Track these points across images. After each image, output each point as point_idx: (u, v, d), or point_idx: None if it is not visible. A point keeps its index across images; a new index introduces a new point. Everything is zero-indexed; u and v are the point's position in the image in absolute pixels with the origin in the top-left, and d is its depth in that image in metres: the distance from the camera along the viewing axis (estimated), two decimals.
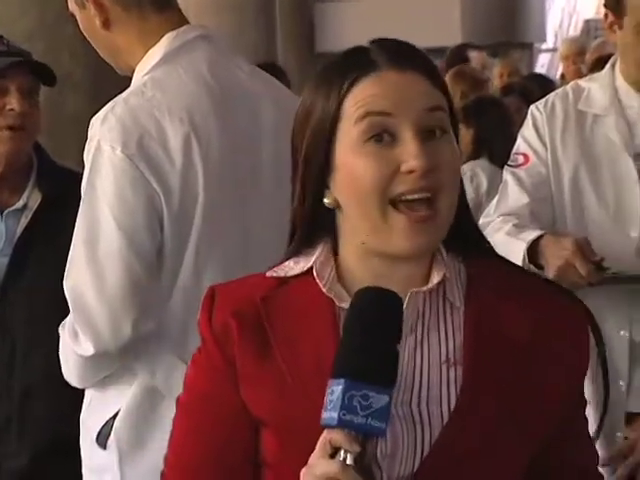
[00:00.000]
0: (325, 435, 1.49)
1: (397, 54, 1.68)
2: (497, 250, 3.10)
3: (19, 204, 3.16)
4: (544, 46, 20.14)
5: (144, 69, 2.73)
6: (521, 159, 3.22)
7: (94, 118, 2.66)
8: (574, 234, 3.05)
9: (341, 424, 1.47)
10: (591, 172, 3.15)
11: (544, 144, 3.19)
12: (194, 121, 2.63)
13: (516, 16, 20.05)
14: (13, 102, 3.09)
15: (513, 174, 3.22)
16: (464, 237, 1.72)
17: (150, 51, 2.73)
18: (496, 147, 5.67)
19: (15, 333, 3.08)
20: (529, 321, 1.67)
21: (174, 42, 2.73)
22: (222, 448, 1.69)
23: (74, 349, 2.63)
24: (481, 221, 3.28)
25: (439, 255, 1.69)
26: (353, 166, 1.62)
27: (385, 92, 1.63)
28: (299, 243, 1.72)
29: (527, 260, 3.00)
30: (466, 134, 6.04)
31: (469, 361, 1.64)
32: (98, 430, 2.63)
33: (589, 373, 1.73)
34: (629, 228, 3.11)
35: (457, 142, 1.69)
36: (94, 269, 2.57)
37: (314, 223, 1.71)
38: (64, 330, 2.66)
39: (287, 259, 1.73)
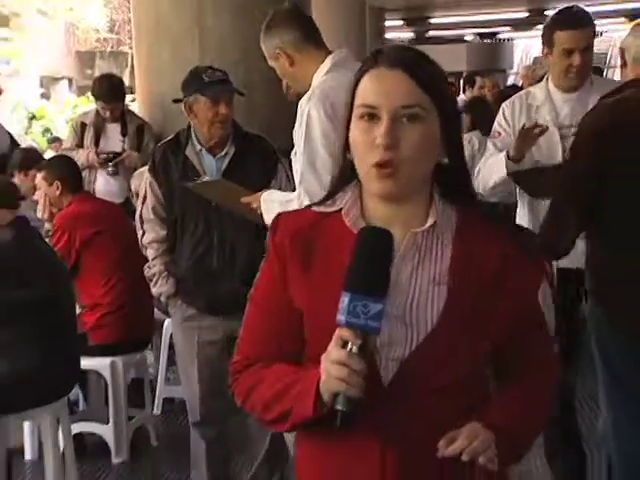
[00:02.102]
0: (338, 331, 1.24)
1: (392, 55, 1.33)
2: (489, 165, 3.02)
3: (223, 153, 3.10)
4: (512, 71, 19.90)
5: (320, 74, 2.63)
6: (497, 134, 3.11)
7: (301, 101, 2.57)
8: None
9: (348, 325, 1.22)
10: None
11: (509, 124, 3.08)
12: None
13: (496, 54, 19.90)
14: (222, 109, 3.02)
15: (492, 142, 3.12)
16: (458, 192, 1.38)
17: (321, 65, 2.64)
18: (482, 125, 5.51)
19: (226, 224, 3.03)
20: (498, 255, 1.34)
21: (334, 59, 2.64)
22: (279, 326, 1.40)
23: None
24: (477, 168, 3.15)
25: (434, 205, 1.35)
26: (354, 136, 1.35)
27: (376, 86, 1.31)
28: (336, 184, 1.41)
29: (507, 157, 2.88)
30: (466, 117, 5.97)
31: (452, 281, 1.33)
32: None
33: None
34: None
35: (449, 121, 1.33)
36: (315, 175, 2.50)
37: (346, 173, 1.39)
38: (291, 202, 2.55)
39: (329, 197, 1.41)
